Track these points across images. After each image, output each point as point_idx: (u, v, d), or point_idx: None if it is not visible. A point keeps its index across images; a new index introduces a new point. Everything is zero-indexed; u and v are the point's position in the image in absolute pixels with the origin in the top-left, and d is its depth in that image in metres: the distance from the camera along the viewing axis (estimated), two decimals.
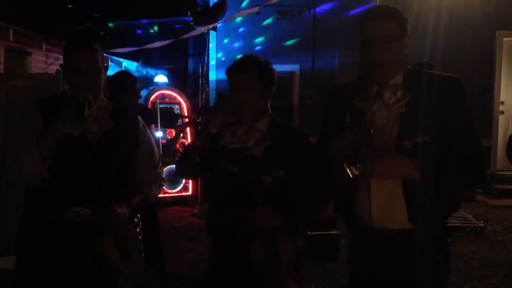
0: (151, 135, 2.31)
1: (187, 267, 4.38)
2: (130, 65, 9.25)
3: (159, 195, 2.65)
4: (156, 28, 10.42)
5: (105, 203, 2.01)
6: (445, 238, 2.10)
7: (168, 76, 9.15)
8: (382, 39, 1.81)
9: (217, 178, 2.07)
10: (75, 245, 2.00)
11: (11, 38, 4.32)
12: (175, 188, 6.89)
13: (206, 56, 8.01)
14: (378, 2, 8.11)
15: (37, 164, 1.95)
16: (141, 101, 4.80)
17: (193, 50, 10.86)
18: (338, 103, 2.00)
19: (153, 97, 6.91)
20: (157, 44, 7.11)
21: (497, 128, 7.77)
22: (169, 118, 6.34)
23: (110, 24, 10.00)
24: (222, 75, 8.30)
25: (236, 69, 2.02)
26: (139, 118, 2.27)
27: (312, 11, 8.55)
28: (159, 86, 7.53)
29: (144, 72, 10.19)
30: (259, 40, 8.89)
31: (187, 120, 6.87)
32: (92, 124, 2.06)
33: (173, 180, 6.68)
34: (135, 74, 7.99)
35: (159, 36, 10.07)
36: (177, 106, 7.21)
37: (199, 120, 5.03)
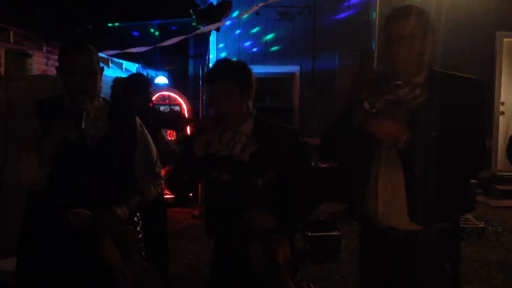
0: (148, 135, 2.30)
1: (187, 268, 4.38)
2: (130, 67, 9.25)
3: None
4: (157, 33, 10.43)
5: (105, 204, 2.02)
6: (455, 243, 1.96)
7: (168, 78, 9.15)
8: (406, 38, 1.82)
9: (210, 187, 2.08)
10: (76, 247, 2.01)
11: (11, 40, 4.33)
12: None
13: (207, 57, 8.01)
14: (378, 3, 8.11)
15: (36, 171, 1.95)
16: None
17: (194, 51, 10.85)
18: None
19: (153, 98, 6.92)
20: (172, 41, 7.07)
21: (498, 129, 7.78)
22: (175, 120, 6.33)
23: (112, 24, 10.02)
24: None
25: (212, 79, 2.01)
26: (137, 118, 2.26)
27: (312, 12, 8.55)
28: (160, 88, 7.54)
29: (145, 74, 10.20)
30: (259, 41, 8.90)
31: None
32: (90, 127, 2.06)
33: None
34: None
35: (160, 37, 10.07)
36: (177, 108, 7.21)
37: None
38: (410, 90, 1.82)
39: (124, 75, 7.75)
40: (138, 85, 3.49)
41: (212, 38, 8.69)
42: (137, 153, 2.20)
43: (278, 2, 7.41)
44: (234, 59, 2.13)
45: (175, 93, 7.34)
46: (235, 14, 7.96)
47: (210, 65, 8.69)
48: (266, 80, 8.86)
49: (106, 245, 2.00)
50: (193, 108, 7.32)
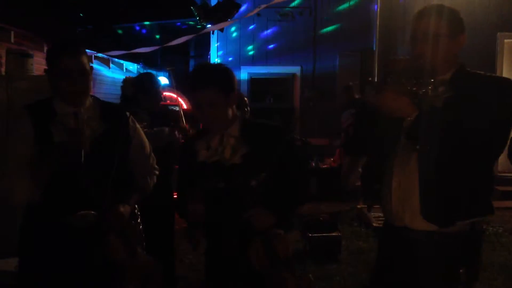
0: (140, 129, 2.30)
1: (187, 269, 4.38)
2: (131, 67, 9.26)
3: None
4: (157, 36, 10.44)
5: (107, 204, 2.02)
6: (473, 249, 1.90)
7: (169, 78, 9.15)
8: (430, 37, 1.83)
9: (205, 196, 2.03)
10: (79, 247, 2.01)
11: (12, 40, 4.33)
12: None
13: (207, 58, 8.01)
14: (379, 4, 8.11)
15: (30, 191, 1.95)
16: None
17: (194, 52, 10.87)
18: None
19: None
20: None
21: None
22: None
23: (113, 25, 10.02)
24: None
25: (196, 87, 1.97)
26: (127, 113, 2.24)
27: (312, 12, 8.55)
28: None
29: None
30: (259, 41, 8.91)
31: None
32: (84, 129, 2.03)
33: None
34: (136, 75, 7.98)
35: (161, 38, 10.08)
36: (177, 108, 7.21)
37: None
38: (434, 87, 1.81)
39: (124, 75, 7.76)
40: (148, 85, 3.51)
41: (213, 38, 8.70)
42: (132, 149, 2.20)
43: (279, 3, 7.41)
44: (214, 63, 2.12)
45: (175, 93, 7.34)
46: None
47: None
48: (267, 81, 8.87)
49: (112, 243, 2.02)
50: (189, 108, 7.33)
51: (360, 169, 6.28)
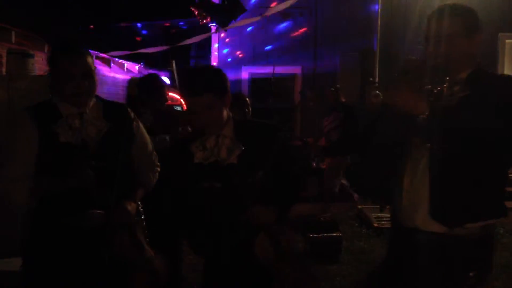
0: (142, 125, 2.31)
1: (188, 269, 4.37)
2: (132, 67, 9.26)
3: None
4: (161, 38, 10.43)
5: (115, 202, 2.03)
6: (484, 252, 1.87)
7: (170, 78, 9.15)
8: (444, 36, 1.82)
9: (201, 199, 2.03)
10: (88, 247, 2.01)
11: (13, 40, 4.33)
12: None
13: (209, 58, 8.00)
14: (380, 4, 8.10)
15: (28, 198, 1.96)
16: None
17: (195, 52, 10.87)
18: None
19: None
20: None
21: None
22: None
23: (115, 24, 10.02)
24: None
25: (193, 93, 1.96)
26: (129, 109, 2.25)
27: (313, 12, 8.55)
28: None
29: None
30: (260, 41, 8.90)
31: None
32: (90, 129, 2.04)
33: None
34: (138, 76, 7.99)
35: (161, 38, 10.07)
36: (179, 108, 7.22)
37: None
38: (449, 86, 1.81)
39: (125, 75, 7.76)
40: (153, 85, 3.51)
41: (214, 39, 8.70)
42: (135, 146, 2.21)
43: (279, 2, 7.41)
44: (207, 66, 2.13)
45: (176, 93, 7.34)
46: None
47: (214, 64, 8.70)
48: (268, 81, 8.87)
49: (120, 240, 2.05)
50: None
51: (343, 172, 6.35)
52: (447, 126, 1.71)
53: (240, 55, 9.01)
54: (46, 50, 4.88)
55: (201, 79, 1.97)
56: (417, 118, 1.78)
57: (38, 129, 1.97)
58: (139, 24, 11.13)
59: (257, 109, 7.09)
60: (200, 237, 2.05)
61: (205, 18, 6.99)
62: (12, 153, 2.00)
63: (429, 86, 1.77)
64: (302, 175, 2.14)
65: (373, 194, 2.49)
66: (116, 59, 7.92)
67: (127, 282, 2.07)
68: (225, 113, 2.03)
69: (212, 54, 9.03)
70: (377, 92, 5.25)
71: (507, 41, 7.72)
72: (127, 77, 7.83)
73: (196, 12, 6.99)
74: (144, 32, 11.15)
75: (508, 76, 1.90)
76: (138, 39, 10.87)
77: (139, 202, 2.31)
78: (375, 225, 5.62)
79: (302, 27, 8.75)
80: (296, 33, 8.78)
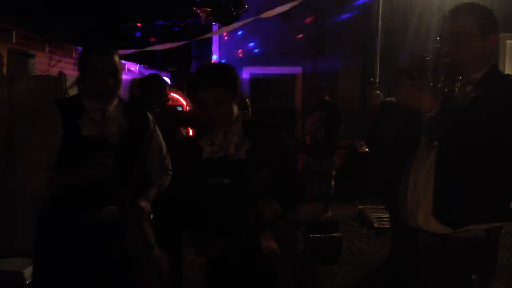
0: (158, 129, 2.37)
1: (187, 269, 4.38)
2: (133, 67, 9.25)
3: None
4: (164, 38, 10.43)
5: (131, 199, 2.09)
6: (488, 255, 1.86)
7: (171, 78, 9.16)
8: (457, 36, 1.81)
9: (208, 195, 2.04)
10: (102, 243, 2.05)
11: (14, 40, 4.34)
12: None
13: (210, 58, 7.99)
14: (381, 4, 8.10)
15: (45, 190, 1.99)
16: None
17: (196, 52, 10.87)
18: None
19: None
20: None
21: None
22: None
23: (117, 25, 10.01)
24: None
25: (205, 86, 1.98)
26: (148, 113, 2.32)
27: (314, 12, 8.55)
28: None
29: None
30: (261, 42, 8.90)
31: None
32: (111, 125, 2.11)
33: None
34: (138, 76, 8.00)
35: (162, 38, 10.07)
36: (180, 108, 7.22)
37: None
38: (462, 86, 1.79)
39: (126, 76, 7.76)
40: (155, 86, 3.53)
41: (214, 39, 8.69)
42: (151, 149, 2.26)
43: (279, 3, 7.39)
44: (219, 62, 2.15)
45: (177, 93, 7.35)
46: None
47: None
48: (268, 81, 8.86)
49: (133, 237, 2.11)
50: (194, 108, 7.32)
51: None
52: (456, 126, 1.68)
53: (241, 56, 9.01)
54: (46, 50, 4.89)
55: (212, 73, 2.00)
56: (424, 116, 1.77)
57: (63, 122, 2.03)
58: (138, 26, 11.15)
59: (257, 109, 7.11)
60: (206, 234, 2.06)
61: (208, 18, 6.97)
62: (32, 144, 2.05)
63: (439, 85, 1.75)
64: (303, 175, 2.19)
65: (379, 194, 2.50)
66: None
67: (135, 278, 2.11)
68: (234, 110, 2.05)
69: (213, 54, 9.03)
70: (378, 92, 5.24)
71: (508, 41, 7.72)
72: (128, 77, 7.84)
73: (199, 12, 6.97)
74: (139, 34, 11.16)
75: None
76: (152, 39, 10.83)
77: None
78: (376, 225, 5.62)
79: (303, 28, 8.74)
80: (297, 34, 8.77)
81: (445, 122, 1.68)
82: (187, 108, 7.27)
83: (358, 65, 8.31)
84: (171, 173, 2.43)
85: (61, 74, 3.69)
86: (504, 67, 7.76)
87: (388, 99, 2.04)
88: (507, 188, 1.84)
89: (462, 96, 1.78)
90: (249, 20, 6.66)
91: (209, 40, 9.05)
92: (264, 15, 6.72)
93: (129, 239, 2.09)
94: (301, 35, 8.70)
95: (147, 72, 9.65)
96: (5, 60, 4.05)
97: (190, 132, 6.72)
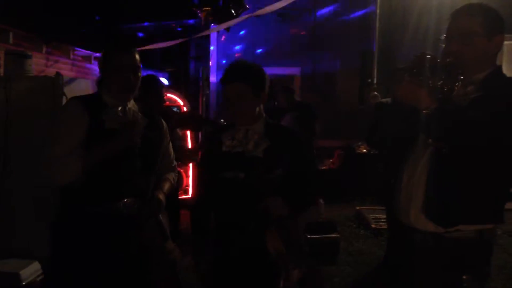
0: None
1: (187, 269, 4.37)
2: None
3: None
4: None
5: (151, 192, 2.21)
6: (480, 256, 1.84)
7: (169, 79, 9.15)
8: (462, 35, 1.80)
9: (222, 188, 2.10)
10: (121, 235, 2.11)
11: (11, 41, 4.32)
12: None
13: (208, 59, 7.99)
14: (379, 4, 8.11)
15: (77, 174, 2.02)
16: None
17: (195, 52, 10.86)
18: None
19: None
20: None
21: None
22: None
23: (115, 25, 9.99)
24: None
25: (229, 80, 2.07)
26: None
27: (312, 13, 8.56)
28: None
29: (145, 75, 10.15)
30: (259, 42, 8.91)
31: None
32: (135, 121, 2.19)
33: None
34: None
35: (162, 38, 10.04)
36: (176, 109, 7.20)
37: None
38: (463, 86, 1.78)
39: None
40: (152, 87, 3.52)
41: (213, 39, 8.70)
42: (163, 146, 2.37)
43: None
44: (247, 60, 2.20)
45: (175, 94, 7.34)
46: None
47: (210, 66, 8.70)
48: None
49: (152, 230, 2.19)
50: (193, 110, 7.31)
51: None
52: (452, 125, 1.67)
53: (239, 56, 9.02)
54: (44, 50, 4.88)
55: (238, 69, 2.11)
56: (421, 113, 1.75)
57: (89, 116, 2.10)
58: (140, 25, 11.12)
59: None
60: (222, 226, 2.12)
61: (209, 18, 6.96)
62: (57, 136, 2.10)
63: (439, 83, 1.74)
64: (316, 184, 2.23)
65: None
66: None
67: (149, 271, 2.18)
68: (257, 109, 2.12)
69: (211, 54, 9.03)
70: (376, 93, 5.25)
71: (505, 42, 7.71)
72: None
73: (198, 12, 6.96)
74: (140, 34, 11.14)
75: None
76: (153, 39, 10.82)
77: None
78: (373, 226, 5.62)
79: (301, 28, 8.75)
80: (295, 34, 8.79)
81: (441, 121, 1.67)
82: (185, 109, 7.25)
83: (356, 66, 8.33)
84: (177, 173, 2.52)
85: (58, 74, 3.69)
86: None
87: (384, 100, 2.04)
88: (500, 190, 1.82)
89: (463, 96, 1.78)
90: (245, 17, 6.65)
91: (208, 41, 9.05)
92: (260, 12, 6.71)
93: (147, 231, 2.16)
94: (299, 36, 8.70)
95: (144, 73, 9.66)
96: (2, 61, 4.05)
97: (188, 133, 6.73)
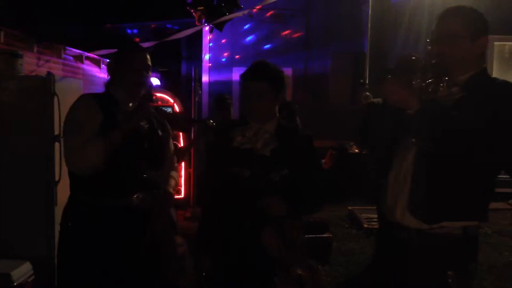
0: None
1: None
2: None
3: None
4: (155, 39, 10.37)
5: (162, 186, 2.28)
6: (466, 253, 1.85)
7: (160, 79, 9.13)
8: (445, 37, 1.83)
9: (227, 183, 2.10)
10: (135, 229, 2.17)
11: (2, 40, 4.29)
12: None
13: (200, 59, 7.97)
14: (370, 6, 8.15)
15: (101, 159, 2.07)
16: None
17: (186, 52, 10.84)
18: None
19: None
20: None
21: None
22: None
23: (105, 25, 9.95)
24: (215, 77, 8.31)
25: (250, 77, 2.12)
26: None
27: (305, 14, 8.58)
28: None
29: None
30: (251, 42, 8.91)
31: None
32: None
33: None
34: None
35: (153, 37, 10.02)
36: (169, 109, 7.18)
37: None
38: (447, 86, 1.79)
39: None
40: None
41: (205, 39, 8.68)
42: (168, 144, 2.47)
43: (272, 4, 7.41)
44: (269, 62, 2.24)
45: (167, 94, 7.31)
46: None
47: (202, 66, 8.69)
48: None
49: (164, 223, 2.24)
50: (185, 110, 7.30)
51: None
52: (435, 125, 1.71)
53: (231, 56, 9.01)
54: (35, 50, 4.84)
55: (262, 68, 2.15)
56: (406, 113, 1.80)
57: (102, 111, 2.18)
58: (128, 25, 11.08)
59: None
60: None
61: (202, 19, 6.94)
62: (75, 127, 2.17)
63: (423, 84, 1.76)
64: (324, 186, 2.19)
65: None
66: (107, 59, 7.88)
67: (160, 264, 2.23)
68: (272, 110, 2.15)
69: (203, 55, 9.01)
70: (367, 93, 5.27)
71: (495, 43, 7.80)
72: None
73: (192, 12, 6.93)
74: (135, 31, 11.10)
75: (508, 84, 1.85)
76: (137, 39, 10.82)
77: None
78: (365, 226, 5.64)
79: (293, 29, 8.77)
80: (287, 35, 8.80)
81: (424, 121, 1.71)
82: (177, 109, 7.23)
83: (348, 66, 8.36)
84: (177, 173, 2.60)
85: (49, 74, 3.66)
86: (492, 69, 7.84)
87: (375, 100, 2.07)
88: (485, 188, 1.85)
89: (447, 97, 1.79)
90: (238, 14, 6.66)
91: (200, 41, 9.03)
92: (257, 6, 6.72)
93: (159, 223, 2.21)
94: (291, 36, 8.72)
95: None
96: None
97: (181, 134, 6.71)
